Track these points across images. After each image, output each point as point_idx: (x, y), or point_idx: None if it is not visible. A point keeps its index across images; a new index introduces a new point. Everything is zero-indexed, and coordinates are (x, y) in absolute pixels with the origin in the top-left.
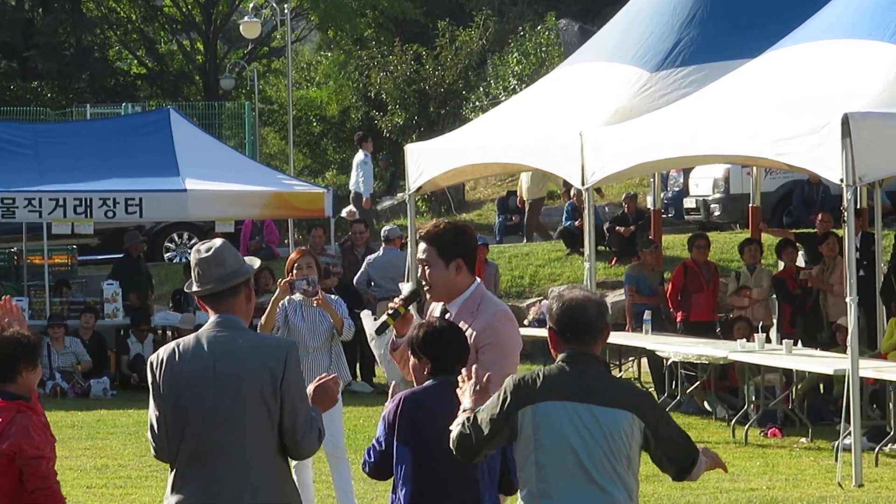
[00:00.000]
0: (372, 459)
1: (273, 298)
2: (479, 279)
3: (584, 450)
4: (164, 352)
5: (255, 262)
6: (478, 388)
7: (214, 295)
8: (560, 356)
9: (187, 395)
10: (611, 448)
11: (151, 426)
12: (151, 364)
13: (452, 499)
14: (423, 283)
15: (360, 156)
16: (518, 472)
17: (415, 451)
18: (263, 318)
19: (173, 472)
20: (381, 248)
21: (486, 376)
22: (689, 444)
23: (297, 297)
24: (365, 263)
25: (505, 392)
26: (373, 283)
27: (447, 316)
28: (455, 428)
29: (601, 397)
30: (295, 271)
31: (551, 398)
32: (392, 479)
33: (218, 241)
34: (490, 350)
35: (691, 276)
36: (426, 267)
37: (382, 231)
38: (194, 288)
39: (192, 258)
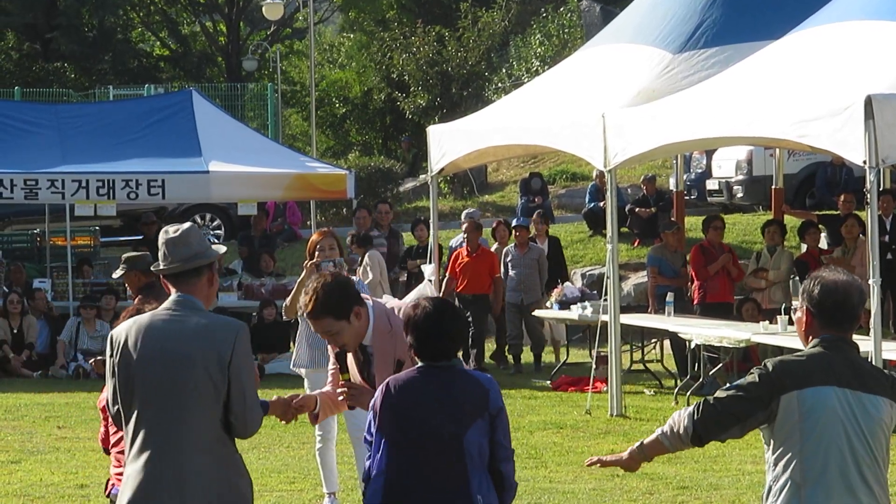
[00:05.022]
0: (369, 462)
1: (298, 280)
2: (367, 301)
3: (853, 436)
4: (121, 328)
5: (221, 249)
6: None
7: (177, 275)
8: (816, 340)
9: (138, 371)
10: (875, 435)
11: (108, 399)
12: (110, 339)
13: (435, 488)
14: (338, 346)
15: None
16: (775, 457)
17: (391, 440)
18: (289, 299)
19: (127, 446)
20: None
21: None
22: None
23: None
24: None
25: (766, 374)
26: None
27: (368, 349)
28: (683, 413)
29: (866, 384)
30: (318, 253)
31: (819, 383)
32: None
33: (186, 224)
34: None
35: (708, 257)
36: (334, 336)
37: (464, 213)
38: (161, 266)
39: (160, 238)
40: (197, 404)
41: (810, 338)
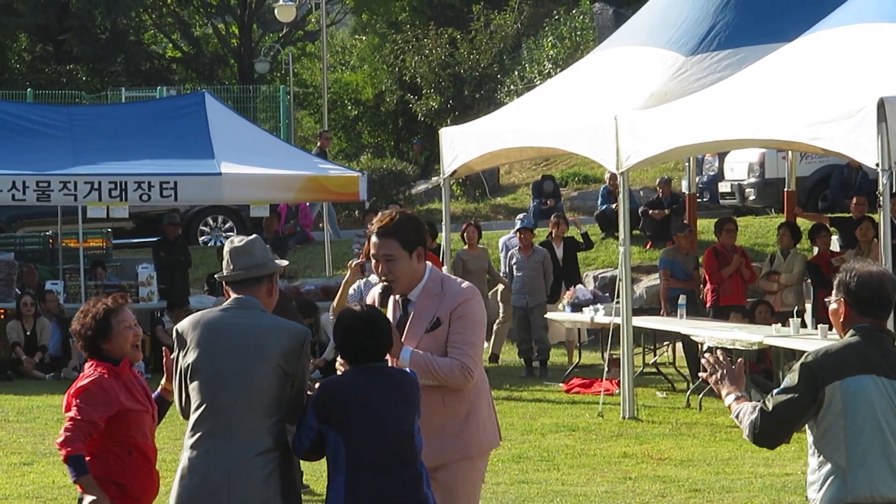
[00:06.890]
0: (308, 444)
1: (344, 281)
2: (428, 263)
3: (892, 422)
4: (186, 323)
5: (283, 263)
6: (726, 372)
7: (240, 282)
8: (852, 331)
9: (206, 363)
10: None
11: (175, 391)
12: (176, 333)
13: (395, 482)
14: (386, 277)
15: None
16: (818, 444)
17: (345, 435)
18: (335, 300)
19: (189, 430)
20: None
21: (739, 363)
22: None
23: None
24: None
25: (807, 370)
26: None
27: (409, 306)
28: (747, 418)
29: None
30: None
31: (859, 372)
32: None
33: (252, 236)
34: (461, 322)
35: (721, 260)
36: (389, 261)
37: (517, 219)
38: (223, 274)
39: (226, 248)
40: (269, 392)
41: (847, 328)
